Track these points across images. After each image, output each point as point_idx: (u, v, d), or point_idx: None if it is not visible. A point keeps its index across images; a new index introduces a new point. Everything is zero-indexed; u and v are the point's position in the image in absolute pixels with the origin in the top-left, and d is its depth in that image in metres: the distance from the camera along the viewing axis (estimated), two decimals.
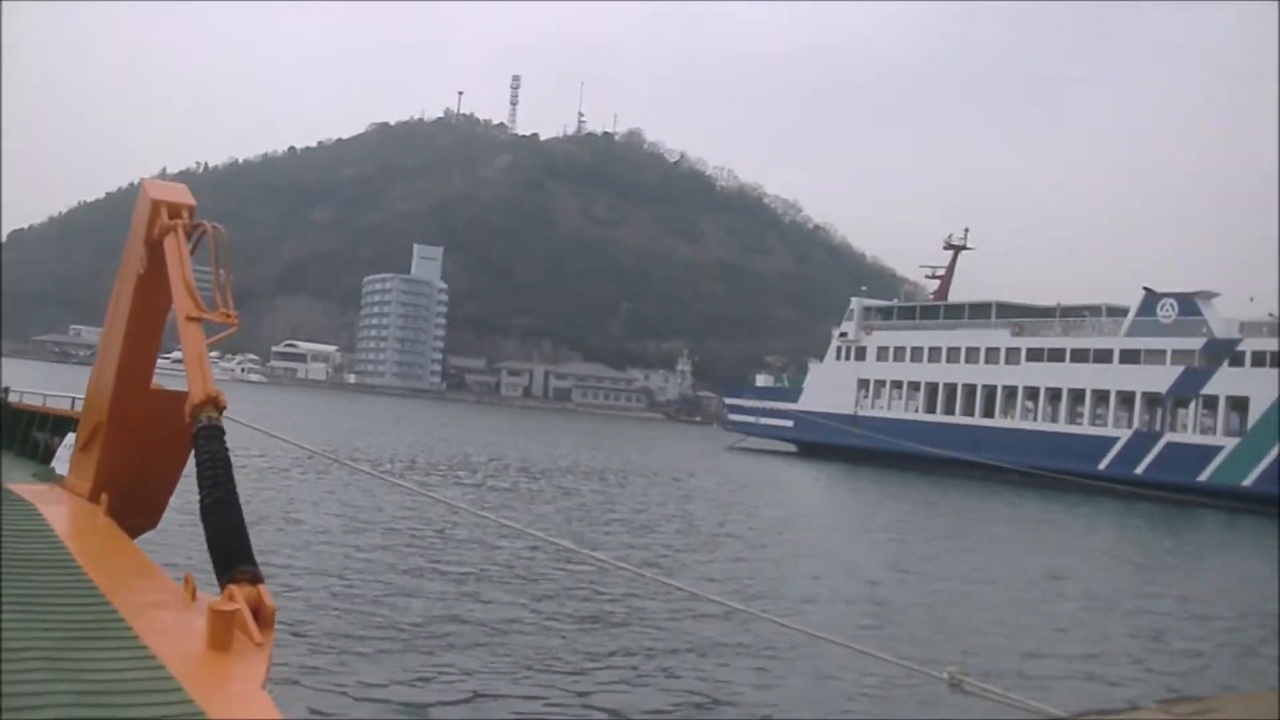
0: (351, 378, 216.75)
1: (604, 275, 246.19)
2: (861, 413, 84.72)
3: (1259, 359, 62.75)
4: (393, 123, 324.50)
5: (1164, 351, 67.10)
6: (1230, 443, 63.24)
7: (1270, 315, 65.49)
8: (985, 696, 7.79)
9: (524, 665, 13.76)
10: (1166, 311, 67.65)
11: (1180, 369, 66.13)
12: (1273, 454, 60.97)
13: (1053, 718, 8.46)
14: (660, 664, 14.69)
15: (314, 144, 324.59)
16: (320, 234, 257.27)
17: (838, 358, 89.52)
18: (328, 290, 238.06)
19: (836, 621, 18.30)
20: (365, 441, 57.50)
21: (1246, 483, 61.59)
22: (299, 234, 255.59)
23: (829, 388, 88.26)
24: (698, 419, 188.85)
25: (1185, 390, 66.04)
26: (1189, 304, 66.99)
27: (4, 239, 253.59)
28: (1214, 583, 30.99)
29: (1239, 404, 63.59)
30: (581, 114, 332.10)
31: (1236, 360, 63.77)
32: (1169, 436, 66.31)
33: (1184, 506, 58.89)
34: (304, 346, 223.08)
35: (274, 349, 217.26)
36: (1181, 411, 66.74)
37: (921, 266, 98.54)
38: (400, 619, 15.80)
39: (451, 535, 24.75)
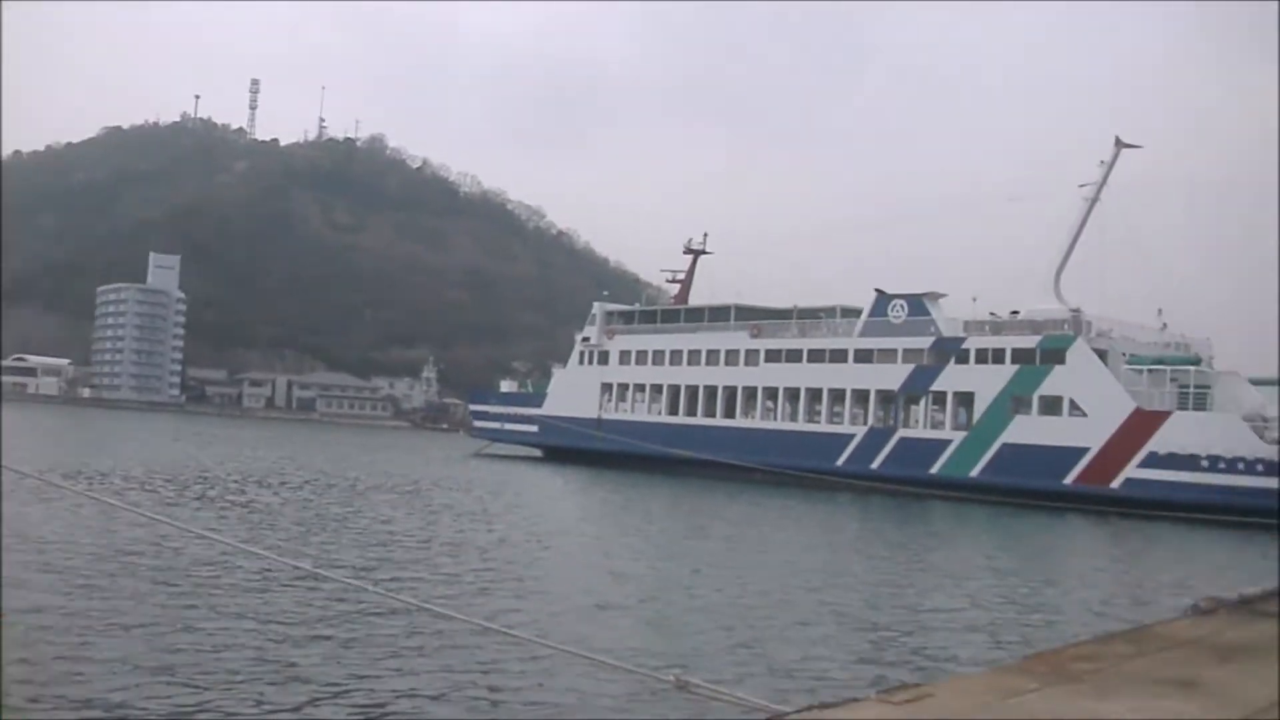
0: (86, 392, 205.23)
1: (347, 283, 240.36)
2: (605, 416, 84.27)
3: (982, 356, 64.97)
4: (126, 126, 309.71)
5: (895, 351, 68.74)
6: (958, 437, 65.26)
7: (991, 315, 68.00)
8: (712, 696, 7.72)
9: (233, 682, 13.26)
10: (897, 312, 69.37)
11: (910, 367, 67.89)
12: (996, 447, 63.28)
13: (774, 714, 8.23)
14: (386, 682, 14.17)
15: (41, 148, 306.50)
16: (49, 243, 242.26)
17: (581, 362, 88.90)
18: (59, 301, 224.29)
19: (569, 629, 18.02)
20: (95, 459, 53.71)
21: (973, 474, 63.75)
22: (25, 243, 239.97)
23: (572, 392, 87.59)
24: (444, 426, 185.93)
25: (916, 388, 67.85)
26: (918, 304, 68.85)
27: None
28: (943, 570, 31.42)
29: (965, 399, 65.64)
30: (323, 119, 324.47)
31: (962, 358, 65.84)
32: (902, 432, 68.01)
33: (918, 499, 60.42)
34: (33, 360, 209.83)
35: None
36: (913, 408, 68.45)
37: (662, 270, 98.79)
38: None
39: (178, 555, 22.92)
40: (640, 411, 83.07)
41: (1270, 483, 54.93)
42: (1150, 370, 60.54)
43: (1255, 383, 62.64)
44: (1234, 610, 13.31)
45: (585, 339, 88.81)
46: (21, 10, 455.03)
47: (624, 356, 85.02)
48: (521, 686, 14.23)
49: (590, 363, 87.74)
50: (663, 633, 18.84)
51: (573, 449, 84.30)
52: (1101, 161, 69.07)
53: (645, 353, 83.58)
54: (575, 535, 35.96)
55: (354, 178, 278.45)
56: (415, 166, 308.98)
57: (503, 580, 23.60)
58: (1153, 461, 58.22)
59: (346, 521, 33.87)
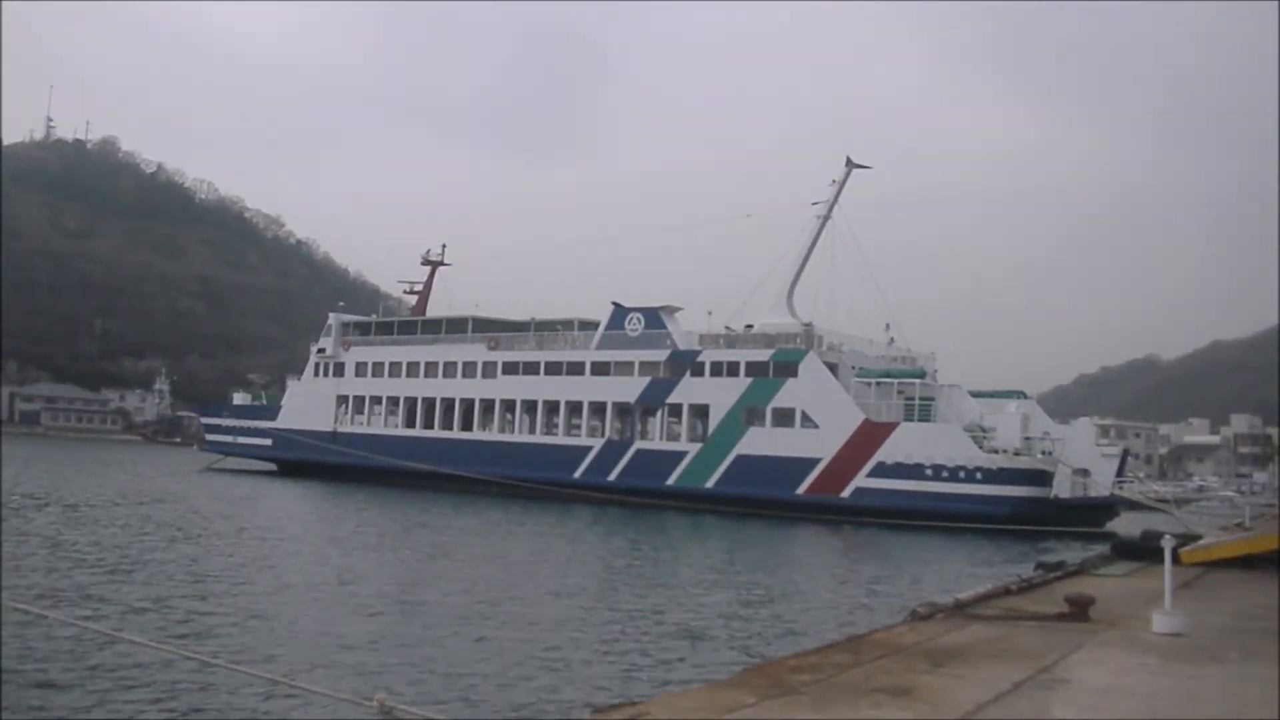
0: None
1: (74, 290, 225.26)
2: (341, 429, 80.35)
3: (717, 369, 64.31)
4: None
5: (632, 363, 67.44)
6: (694, 448, 64.34)
7: (727, 328, 67.43)
8: None
9: None
10: (634, 325, 68.07)
11: (647, 379, 66.63)
12: (730, 458, 62.63)
13: None
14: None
15: None
16: None
17: (316, 374, 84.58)
18: None
19: (272, 651, 17.11)
20: None
21: (709, 485, 63.08)
22: None
23: (308, 405, 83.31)
24: (178, 440, 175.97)
25: (652, 400, 66.58)
26: (654, 318, 67.78)
27: None
28: (671, 581, 30.19)
29: (700, 411, 64.86)
30: (50, 119, 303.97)
31: (697, 370, 64.96)
32: (638, 444, 66.68)
33: (654, 510, 59.18)
34: None
35: None
36: (650, 420, 67.20)
37: (400, 281, 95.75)
38: None
39: None
40: (377, 424, 79.55)
41: (988, 490, 56.03)
42: (878, 383, 60.92)
43: (975, 395, 64.08)
44: (950, 614, 13.78)
45: (321, 350, 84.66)
46: None
47: (360, 368, 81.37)
48: (209, 713, 13.15)
49: (326, 375, 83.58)
50: (376, 654, 17.52)
51: (308, 462, 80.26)
52: (833, 181, 69.37)
53: (382, 365, 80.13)
54: (293, 552, 32.87)
55: (84, 181, 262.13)
56: (150, 171, 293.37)
57: (210, 603, 21.76)
58: (881, 471, 58.55)
59: (35, 542, 29.84)
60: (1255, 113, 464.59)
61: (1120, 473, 64.34)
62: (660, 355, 66.60)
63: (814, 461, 60.14)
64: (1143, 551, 22.06)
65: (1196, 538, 27.55)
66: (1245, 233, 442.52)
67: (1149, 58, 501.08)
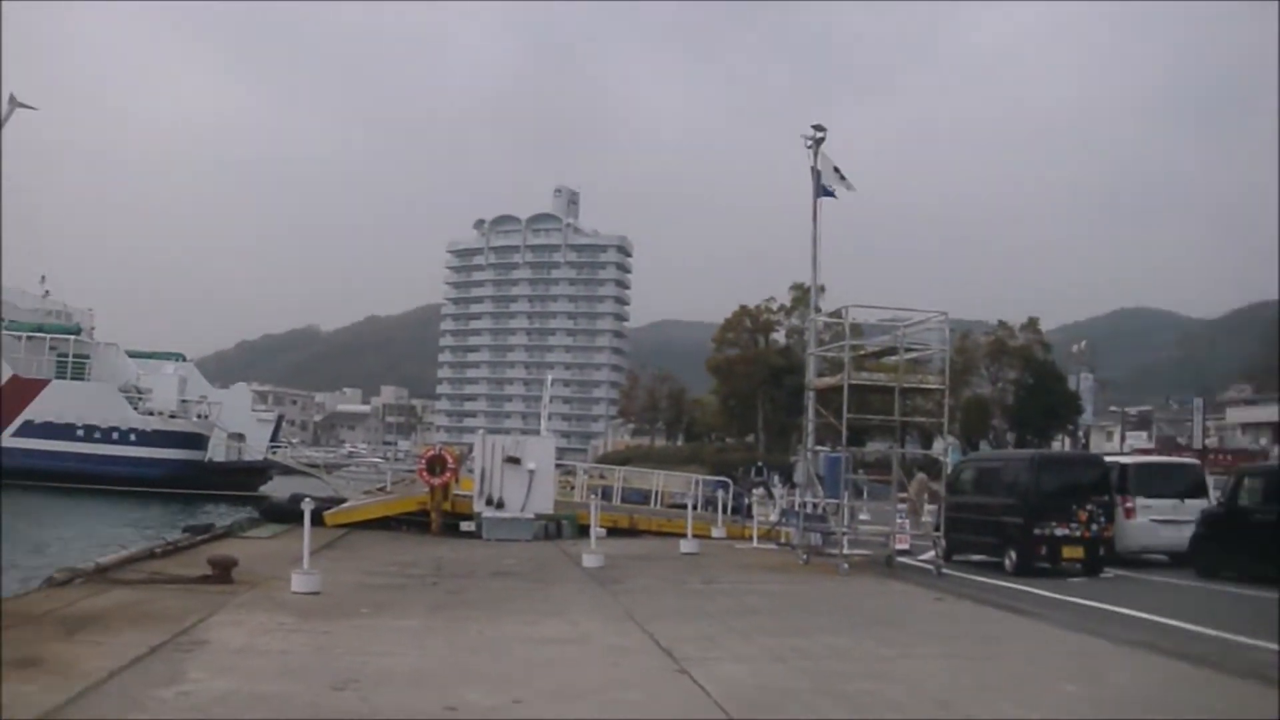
0: None
1: None
2: None
3: None
4: None
5: None
6: None
7: None
8: None
9: None
10: None
11: None
12: None
13: None
14: None
15: None
16: None
17: None
18: None
19: None
20: None
21: None
22: None
23: None
24: None
25: None
26: None
27: None
28: None
29: None
30: None
31: None
32: None
33: None
34: None
35: None
36: None
37: None
38: None
39: None
40: None
41: (143, 452, 54.63)
42: (30, 337, 56.72)
43: (133, 355, 61.98)
44: (91, 579, 13.42)
45: None
46: None
47: None
48: None
49: None
50: None
51: None
52: None
53: None
54: None
55: None
56: None
57: None
58: (29, 431, 54.56)
59: None
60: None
61: (275, 438, 65.86)
62: None
63: None
64: (289, 514, 22.73)
65: (342, 500, 29.09)
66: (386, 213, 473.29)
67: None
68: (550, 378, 64.12)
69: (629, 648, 10.45)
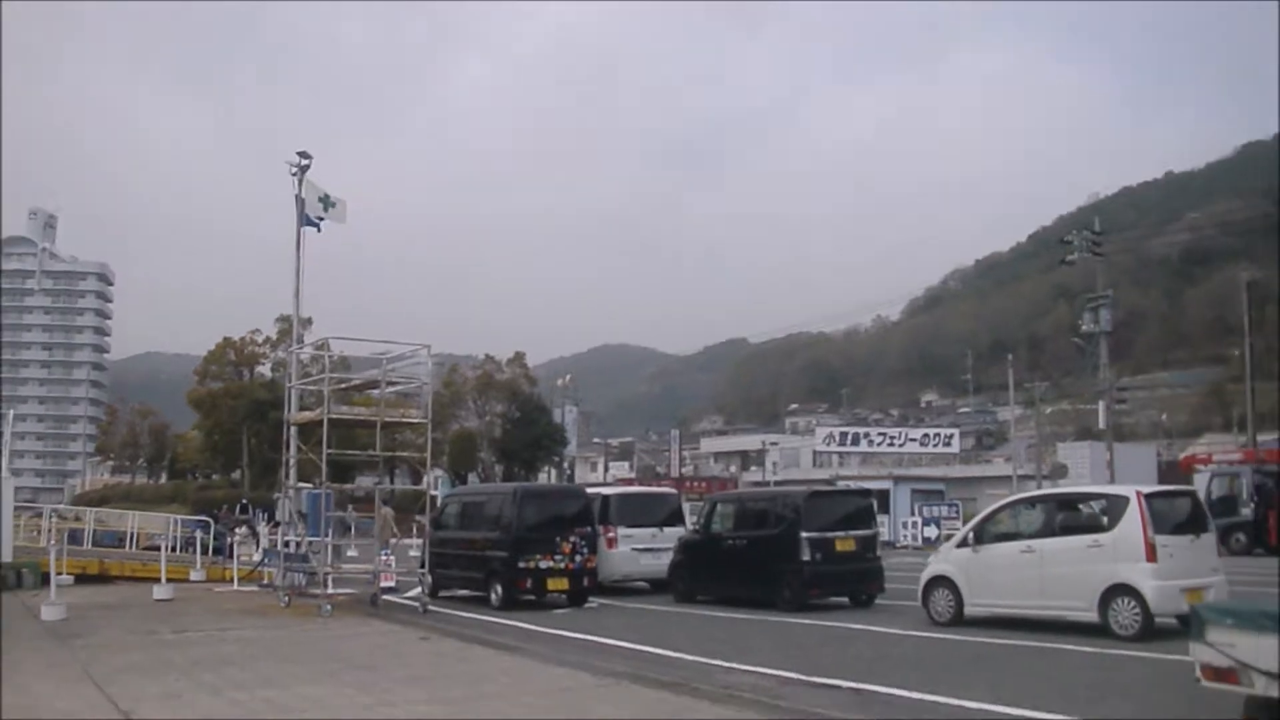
0: None
1: None
2: None
3: None
4: None
5: None
6: None
7: None
8: None
9: None
10: None
11: None
12: None
13: None
14: None
15: None
16: None
17: None
18: None
19: None
20: None
21: None
22: None
23: None
24: None
25: None
26: None
27: None
28: None
29: None
30: None
31: None
32: None
33: None
34: None
35: None
36: None
37: None
38: None
39: None
40: None
41: None
42: None
43: None
44: None
45: None
46: None
47: None
48: None
49: None
50: None
51: None
52: None
53: None
54: None
55: None
56: None
57: None
58: None
59: None
60: None
61: None
62: None
63: None
64: None
65: None
66: None
67: None
68: (11, 413, 57.81)
69: (80, 713, 9.42)
